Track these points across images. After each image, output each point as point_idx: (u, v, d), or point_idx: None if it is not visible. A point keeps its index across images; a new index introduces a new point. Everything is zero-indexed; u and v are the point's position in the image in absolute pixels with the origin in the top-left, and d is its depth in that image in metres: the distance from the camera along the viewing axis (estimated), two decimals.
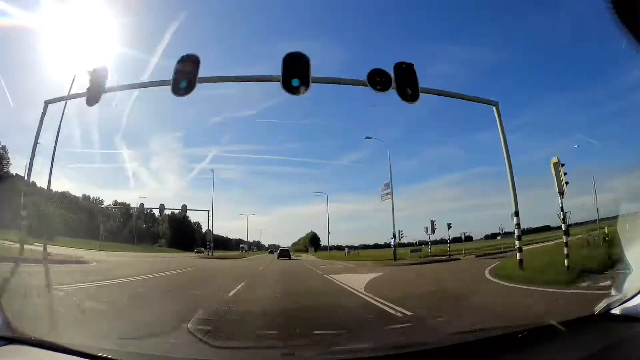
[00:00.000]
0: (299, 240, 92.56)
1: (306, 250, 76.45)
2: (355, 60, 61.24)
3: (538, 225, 50.05)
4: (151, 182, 78.98)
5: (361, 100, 73.61)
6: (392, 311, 5.82)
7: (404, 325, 5.06)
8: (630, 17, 1.58)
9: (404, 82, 10.25)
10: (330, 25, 60.36)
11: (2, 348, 2.01)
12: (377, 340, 4.14)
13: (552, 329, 2.18)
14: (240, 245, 72.98)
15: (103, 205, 66.34)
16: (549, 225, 47.36)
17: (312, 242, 79.98)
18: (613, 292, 2.34)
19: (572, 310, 5.05)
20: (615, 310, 2.11)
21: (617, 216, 2.96)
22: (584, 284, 7.07)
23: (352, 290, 8.78)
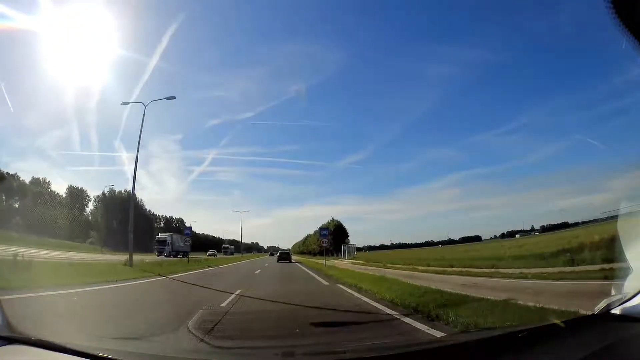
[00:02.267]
0: (307, 238, 75.91)
1: (330, 251, 48.47)
2: (354, 62, 61.37)
3: (556, 222, 49.95)
4: (151, 184, 78.66)
5: (360, 102, 73.74)
6: None
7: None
8: (630, 17, 1.58)
9: None
10: (329, 28, 60.58)
11: (2, 348, 2.01)
12: (378, 339, 4.14)
13: (552, 329, 2.18)
14: (159, 238, 37.42)
15: (51, 189, 52.55)
16: (567, 222, 47.27)
17: (337, 237, 53.30)
18: (613, 292, 2.34)
19: None
20: (615, 310, 2.10)
21: (617, 216, 2.95)
22: None
23: None
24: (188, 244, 37.06)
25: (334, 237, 52.34)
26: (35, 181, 52.56)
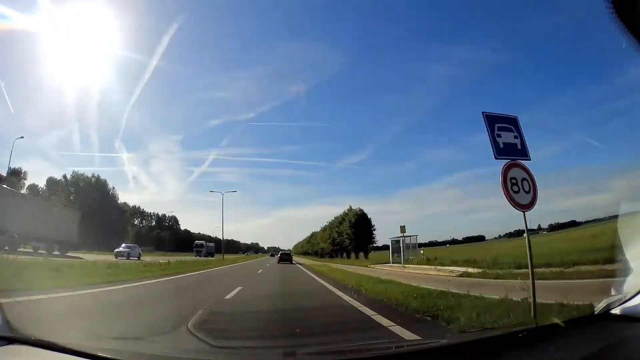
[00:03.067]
0: (312, 236, 64.96)
1: (347, 251, 38.33)
2: (354, 62, 61.36)
3: (564, 221, 49.16)
4: (151, 185, 77.88)
5: (360, 102, 73.79)
6: None
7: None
8: (630, 17, 1.58)
9: None
10: (329, 28, 60.54)
11: (2, 348, 2.01)
12: (378, 339, 4.13)
13: (552, 329, 2.18)
14: None
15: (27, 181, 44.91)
16: (575, 220, 46.45)
17: (361, 232, 37.66)
18: (613, 292, 2.34)
19: None
20: (615, 310, 2.11)
21: (617, 216, 2.96)
22: None
23: None
24: (64, 228, 19.66)
25: (356, 231, 38.10)
26: (13, 172, 46.13)
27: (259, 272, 18.80)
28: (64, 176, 46.28)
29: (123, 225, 47.64)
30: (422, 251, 27.06)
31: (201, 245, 53.43)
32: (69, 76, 51.04)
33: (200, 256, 47.86)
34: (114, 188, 49.11)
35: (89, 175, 46.48)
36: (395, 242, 26.43)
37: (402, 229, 25.41)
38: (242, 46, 67.80)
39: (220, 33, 65.80)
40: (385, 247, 45.03)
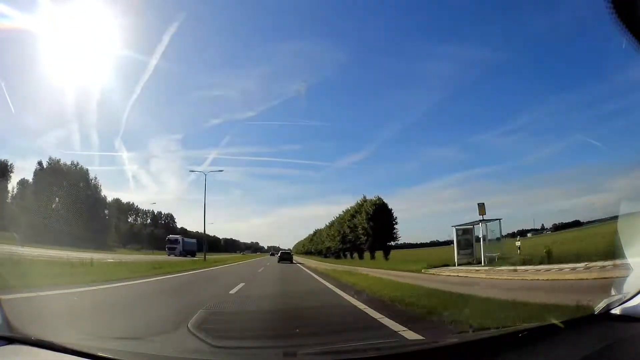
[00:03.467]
0: (315, 233, 58.98)
1: (359, 249, 33.57)
2: (354, 62, 61.36)
3: (567, 221, 48.41)
4: (151, 184, 77.13)
5: (361, 101, 73.83)
6: None
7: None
8: (630, 17, 1.59)
9: None
10: (329, 27, 60.42)
11: (2, 348, 2.01)
12: (379, 339, 4.13)
13: (552, 329, 2.18)
14: None
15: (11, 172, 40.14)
16: (578, 220, 45.65)
17: (381, 226, 31.05)
18: (613, 292, 2.35)
19: None
20: (615, 310, 2.11)
21: (617, 216, 2.96)
22: None
23: None
24: None
25: (375, 225, 30.94)
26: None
27: (232, 292, 8.69)
28: (39, 162, 41.84)
29: (106, 219, 42.43)
30: (518, 243, 17.42)
31: (175, 241, 41.39)
32: (69, 75, 50.52)
33: (175, 255, 37.57)
34: (96, 178, 44.23)
35: (68, 163, 41.95)
36: (463, 232, 17.12)
37: (481, 208, 16.30)
38: (242, 44, 67.49)
39: (221, 32, 65.66)
40: (394, 247, 34.87)
